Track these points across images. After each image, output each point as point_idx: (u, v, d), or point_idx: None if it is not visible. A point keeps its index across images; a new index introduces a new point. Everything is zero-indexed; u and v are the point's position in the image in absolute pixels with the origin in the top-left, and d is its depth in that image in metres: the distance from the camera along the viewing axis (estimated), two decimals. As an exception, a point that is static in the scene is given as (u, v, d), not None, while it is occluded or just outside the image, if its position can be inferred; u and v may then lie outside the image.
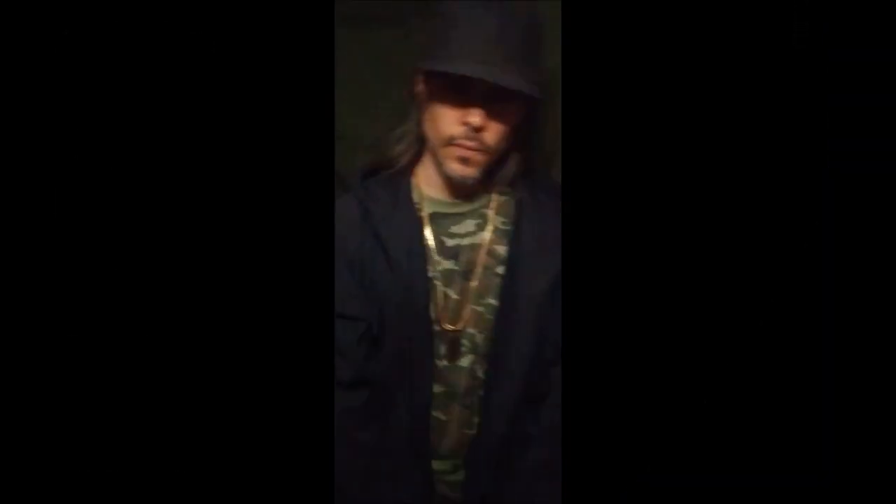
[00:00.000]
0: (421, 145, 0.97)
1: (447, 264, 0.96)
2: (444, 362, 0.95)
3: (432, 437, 0.96)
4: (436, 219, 0.97)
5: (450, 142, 0.91)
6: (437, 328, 0.94)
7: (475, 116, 0.88)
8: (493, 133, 0.91)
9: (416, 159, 0.98)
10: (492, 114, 0.89)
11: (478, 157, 0.92)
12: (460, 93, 0.88)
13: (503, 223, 0.97)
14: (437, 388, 0.95)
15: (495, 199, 0.98)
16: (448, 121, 0.91)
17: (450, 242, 0.96)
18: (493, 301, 0.95)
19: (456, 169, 0.92)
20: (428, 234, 0.96)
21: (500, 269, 0.95)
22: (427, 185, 0.98)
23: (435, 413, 0.95)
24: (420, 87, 0.91)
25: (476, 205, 0.98)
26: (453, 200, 0.97)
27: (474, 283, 0.95)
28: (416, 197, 0.97)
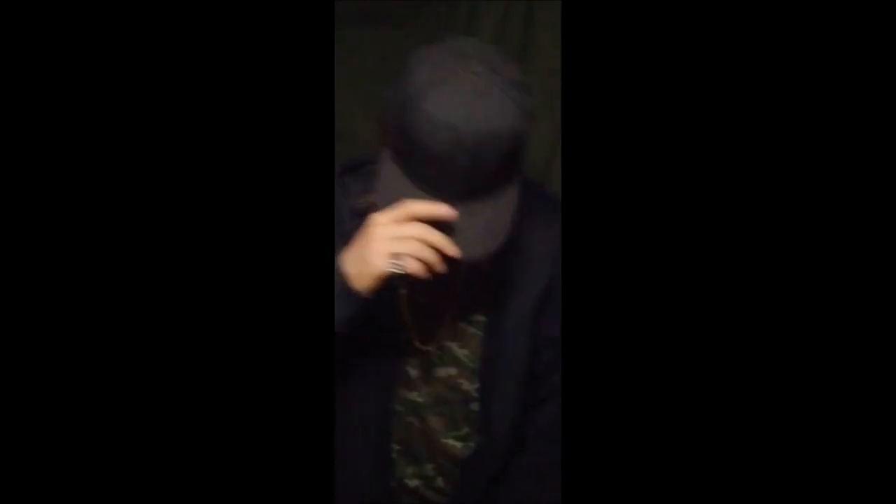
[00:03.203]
0: None
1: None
2: (416, 371, 0.94)
3: (402, 437, 0.95)
4: None
5: None
6: (404, 335, 0.92)
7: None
8: None
9: None
10: None
11: None
12: None
13: None
14: (409, 395, 0.94)
15: None
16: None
17: None
18: (480, 317, 0.93)
19: None
20: None
21: (483, 284, 0.92)
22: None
23: (408, 418, 0.95)
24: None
25: None
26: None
27: (456, 296, 0.91)
28: None
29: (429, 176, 0.76)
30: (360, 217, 0.83)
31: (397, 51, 1.20)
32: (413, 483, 0.97)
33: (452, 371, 0.93)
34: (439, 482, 0.97)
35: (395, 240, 0.76)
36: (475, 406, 0.94)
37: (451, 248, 0.76)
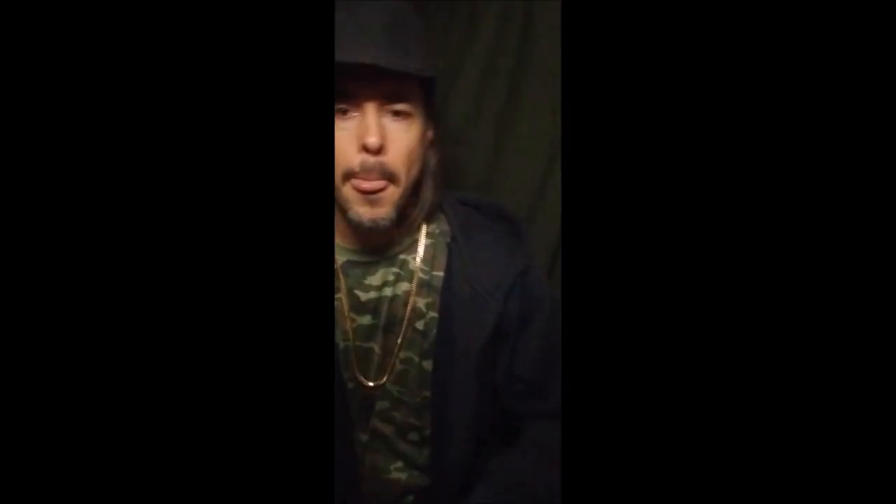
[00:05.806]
0: None
1: (363, 320, 0.90)
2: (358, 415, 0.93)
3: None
4: (347, 269, 0.89)
5: (348, 176, 0.81)
6: (351, 385, 0.91)
7: (371, 136, 0.78)
8: (396, 155, 0.81)
9: None
10: (389, 131, 0.81)
11: (386, 191, 0.81)
12: (350, 102, 0.80)
13: (423, 272, 0.90)
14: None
15: (420, 243, 0.91)
16: (342, 148, 0.80)
17: (364, 297, 0.89)
18: (414, 356, 0.91)
19: (362, 212, 0.82)
20: (340, 288, 0.88)
21: (420, 325, 0.90)
22: (337, 232, 0.89)
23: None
24: None
25: (395, 251, 0.90)
26: (366, 251, 0.89)
27: (397, 338, 0.90)
28: None
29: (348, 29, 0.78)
30: None
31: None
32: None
33: (397, 416, 0.93)
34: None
35: None
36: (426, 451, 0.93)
37: None
